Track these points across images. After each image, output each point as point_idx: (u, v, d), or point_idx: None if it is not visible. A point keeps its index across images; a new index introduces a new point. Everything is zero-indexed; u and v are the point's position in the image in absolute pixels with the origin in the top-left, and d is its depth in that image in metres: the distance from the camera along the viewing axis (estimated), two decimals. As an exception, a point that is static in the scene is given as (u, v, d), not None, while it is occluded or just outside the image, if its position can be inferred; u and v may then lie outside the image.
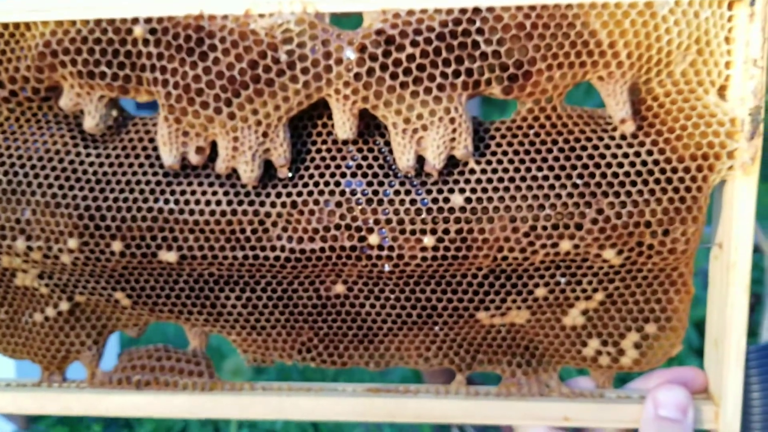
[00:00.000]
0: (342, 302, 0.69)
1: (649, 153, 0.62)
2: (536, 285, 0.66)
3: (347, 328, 0.70)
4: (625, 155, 0.62)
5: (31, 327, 0.72)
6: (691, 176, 0.61)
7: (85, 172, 0.66)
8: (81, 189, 0.65)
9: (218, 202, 0.65)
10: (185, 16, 0.62)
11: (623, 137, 0.63)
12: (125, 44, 0.63)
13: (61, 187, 0.66)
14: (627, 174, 0.62)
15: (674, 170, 0.62)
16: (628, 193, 0.62)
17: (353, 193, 0.64)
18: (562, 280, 0.66)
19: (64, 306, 0.72)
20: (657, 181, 0.62)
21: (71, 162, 0.66)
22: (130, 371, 0.72)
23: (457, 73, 0.61)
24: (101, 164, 0.66)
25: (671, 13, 0.60)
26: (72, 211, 0.65)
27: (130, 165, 0.66)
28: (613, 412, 0.67)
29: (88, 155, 0.67)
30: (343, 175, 0.64)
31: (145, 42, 0.63)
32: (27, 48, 0.65)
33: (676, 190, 0.62)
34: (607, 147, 0.63)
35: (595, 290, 0.66)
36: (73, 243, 0.66)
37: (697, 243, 0.63)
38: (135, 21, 0.63)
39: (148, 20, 0.62)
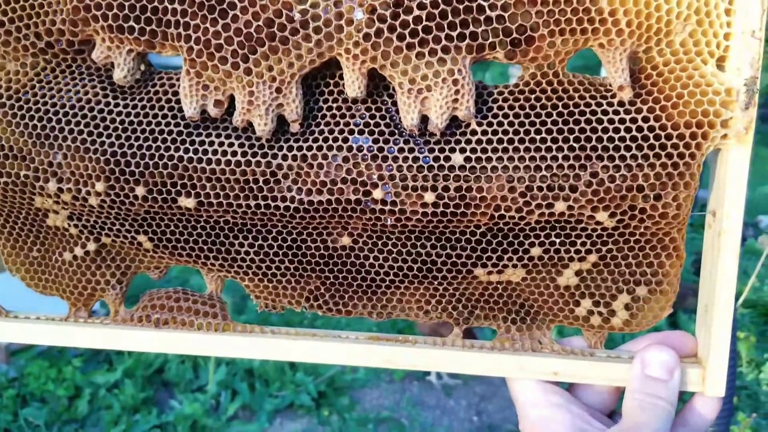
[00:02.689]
0: (348, 254, 0.73)
1: (645, 120, 0.64)
2: (532, 244, 0.69)
3: (352, 279, 0.74)
4: (622, 121, 0.65)
5: (60, 265, 0.78)
6: (685, 143, 0.63)
7: (113, 120, 0.71)
8: (108, 136, 0.70)
9: (234, 153, 0.69)
10: (208, -24, 0.66)
11: (621, 104, 0.65)
12: (152, 1, 0.67)
13: (90, 133, 0.70)
14: (622, 139, 0.64)
15: (669, 137, 0.64)
16: (623, 158, 0.64)
17: (360, 149, 0.67)
18: (557, 240, 0.69)
19: (92, 246, 0.77)
20: (651, 147, 0.64)
21: (100, 111, 0.71)
22: (150, 310, 0.77)
23: (462, 37, 0.64)
24: (128, 114, 0.71)
25: (670, -17, 0.61)
26: (99, 156, 0.70)
27: (155, 115, 0.71)
28: (602, 369, 0.70)
29: (116, 105, 0.71)
30: (351, 131, 0.68)
31: (171, -1, 0.67)
32: (63, 2, 0.70)
33: (669, 156, 0.64)
34: (605, 113, 0.65)
35: (588, 252, 0.69)
36: (100, 186, 0.71)
37: (689, 209, 0.65)
38: (162, -21, 0.67)
39: (174, -21, 0.66)
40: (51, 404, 2.87)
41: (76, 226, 0.76)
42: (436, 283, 0.73)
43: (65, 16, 0.70)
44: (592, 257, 0.69)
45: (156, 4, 0.67)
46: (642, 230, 0.67)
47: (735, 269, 0.66)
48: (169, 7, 0.67)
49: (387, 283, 0.74)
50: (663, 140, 0.64)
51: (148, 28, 0.68)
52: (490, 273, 0.71)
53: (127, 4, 0.68)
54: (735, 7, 0.62)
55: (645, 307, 0.70)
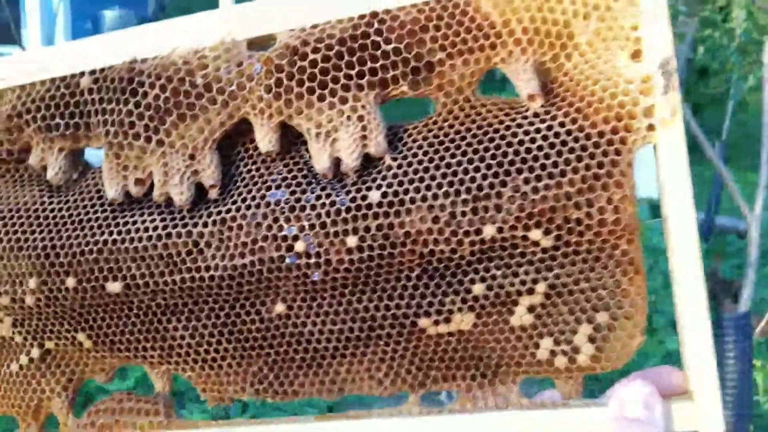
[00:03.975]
0: (284, 323, 0.67)
1: (562, 125, 0.60)
2: (472, 281, 0.63)
3: (294, 352, 0.68)
4: (537, 131, 0.60)
5: (8, 378, 0.76)
6: (607, 140, 0.58)
7: (45, 218, 0.71)
8: (41, 232, 0.70)
9: (155, 228, 0.67)
10: (122, 63, 0.68)
11: (536, 115, 0.61)
12: (74, 96, 0.70)
13: (23, 232, 0.71)
14: (540, 148, 0.60)
15: (588, 137, 0.59)
16: (543, 167, 0.59)
17: (277, 203, 0.65)
18: (498, 272, 0.62)
19: (35, 353, 0.75)
20: (572, 151, 0.59)
21: (35, 211, 0.72)
22: (95, 416, 0.72)
23: (361, 74, 0.63)
24: (60, 209, 0.71)
25: (560, -16, 0.60)
26: (31, 252, 0.70)
27: (84, 206, 0.71)
28: (578, 417, 0.60)
29: (50, 203, 0.72)
30: (269, 188, 0.66)
31: (90, 91, 0.69)
32: (-1, 114, 0.73)
33: (591, 156, 0.58)
34: (520, 126, 0.61)
35: (535, 281, 0.62)
36: (32, 283, 0.70)
37: (632, 213, 0.59)
38: (82, 74, 0.70)
39: (92, 71, 0.69)
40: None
41: (20, 333, 0.74)
42: (382, 344, 0.66)
43: (1, 126, 0.73)
44: (541, 287, 0.62)
45: (77, 98, 0.70)
46: (586, 246, 0.60)
47: (697, 275, 0.57)
48: (89, 98, 0.69)
49: (331, 352, 0.67)
50: (583, 141, 0.59)
51: (71, 122, 0.70)
52: (437, 323, 0.64)
53: (53, 104, 0.71)
54: (637, -3, 0.60)
55: (611, 336, 0.61)
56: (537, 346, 0.63)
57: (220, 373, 0.70)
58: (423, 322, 0.65)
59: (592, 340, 0.61)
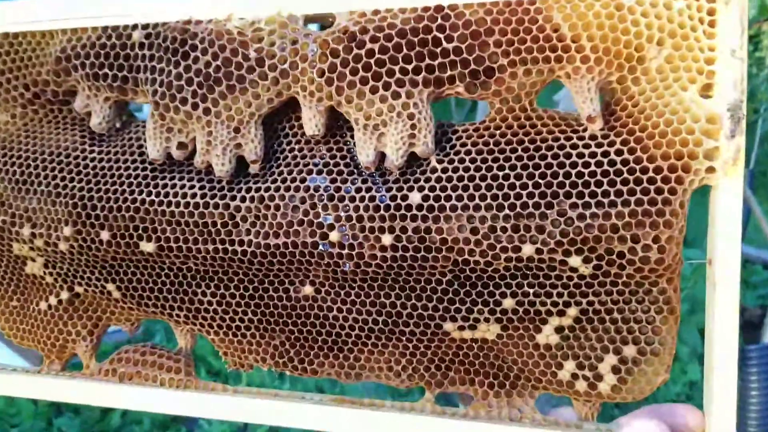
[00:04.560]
0: (311, 305, 0.68)
1: (619, 153, 0.58)
2: (503, 295, 0.62)
3: (317, 334, 0.69)
4: (593, 155, 0.58)
5: (36, 314, 0.77)
6: (663, 177, 0.56)
7: (85, 167, 0.71)
8: (80, 181, 0.70)
9: (193, 195, 0.67)
10: (176, 22, 0.67)
11: (593, 137, 0.59)
12: (125, 48, 0.68)
13: (63, 179, 0.71)
14: (593, 174, 0.58)
15: (644, 171, 0.57)
16: (593, 195, 0.58)
17: (317, 189, 0.64)
18: (531, 290, 0.61)
19: (65, 295, 0.76)
20: (625, 182, 0.57)
21: (75, 158, 0.72)
22: (117, 364, 0.74)
23: (417, 70, 0.61)
24: (101, 160, 0.71)
25: (638, 5, 0.57)
26: (69, 200, 0.70)
27: (125, 161, 0.70)
28: (588, 444, 0.60)
29: (91, 152, 0.72)
30: (310, 171, 0.65)
31: (141, 45, 0.68)
32: (48, 55, 0.72)
33: (645, 191, 0.56)
34: (575, 147, 0.59)
35: (567, 304, 0.61)
36: (67, 231, 0.70)
37: (677, 255, 0.57)
38: (134, 27, 0.68)
39: (145, 26, 0.68)
40: (84, 415, 2.84)
41: (51, 274, 0.76)
42: (404, 339, 0.67)
43: (49, 67, 0.72)
44: (572, 311, 0.61)
45: (128, 51, 0.68)
46: (625, 279, 0.59)
47: (732, 328, 0.56)
48: (139, 53, 0.68)
49: (353, 339, 0.68)
50: (638, 175, 0.57)
51: (120, 75, 0.69)
52: (461, 329, 0.64)
53: (102, 52, 0.69)
54: (715, 27, 0.56)
55: (635, 370, 0.60)
56: (560, 366, 0.63)
57: (243, 341, 0.71)
58: (448, 326, 0.65)
59: (616, 370, 0.61)
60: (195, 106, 0.66)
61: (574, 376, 0.63)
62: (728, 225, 0.56)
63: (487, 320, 0.63)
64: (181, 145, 0.68)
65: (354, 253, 0.63)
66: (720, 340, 0.57)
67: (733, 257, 0.55)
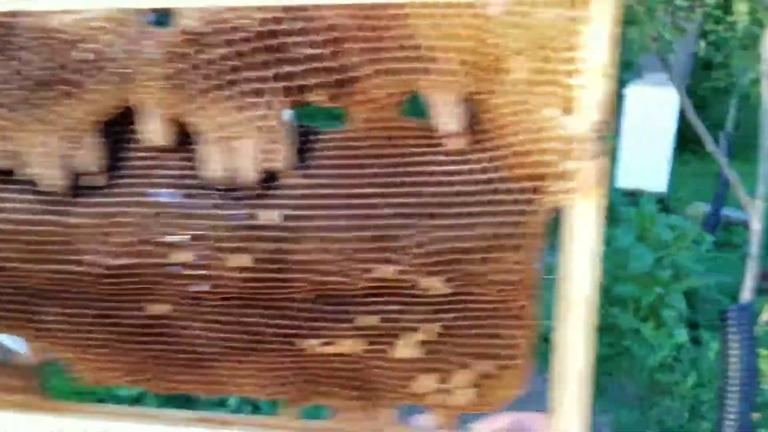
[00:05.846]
0: (165, 323, 0.64)
1: (484, 171, 0.56)
2: (365, 312, 0.60)
3: (174, 351, 0.65)
4: (457, 173, 0.56)
5: None
6: (526, 198, 0.55)
7: None
8: None
9: (28, 210, 0.60)
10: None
11: (460, 153, 0.57)
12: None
13: None
14: (458, 194, 0.56)
15: (508, 191, 0.55)
16: (457, 215, 0.56)
17: (164, 205, 0.59)
18: (393, 308, 0.60)
19: None
20: (489, 203, 0.56)
21: None
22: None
23: (277, 77, 0.56)
24: None
25: (502, 15, 0.54)
26: None
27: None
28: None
29: None
30: (158, 186, 0.60)
31: (-45, 38, 0.59)
32: None
33: (508, 213, 0.55)
34: (439, 164, 0.57)
35: (427, 321, 0.60)
36: None
37: (536, 272, 0.57)
38: (-54, 16, 0.59)
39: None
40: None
41: None
42: (267, 355, 0.64)
43: None
44: (432, 327, 0.60)
45: None
46: (485, 296, 0.58)
47: (586, 347, 0.56)
48: None
49: (213, 356, 0.65)
50: (502, 195, 0.55)
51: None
52: (324, 344, 0.62)
53: None
54: (581, 41, 0.54)
55: (494, 384, 0.61)
56: (415, 379, 0.62)
57: (98, 359, 0.66)
58: (310, 342, 0.62)
59: (473, 385, 0.61)
60: (24, 113, 0.58)
61: (430, 388, 0.62)
62: (583, 250, 0.55)
63: (347, 336, 0.62)
64: (8, 154, 0.60)
65: (207, 273, 0.59)
66: (572, 356, 0.57)
67: (586, 282, 0.55)
